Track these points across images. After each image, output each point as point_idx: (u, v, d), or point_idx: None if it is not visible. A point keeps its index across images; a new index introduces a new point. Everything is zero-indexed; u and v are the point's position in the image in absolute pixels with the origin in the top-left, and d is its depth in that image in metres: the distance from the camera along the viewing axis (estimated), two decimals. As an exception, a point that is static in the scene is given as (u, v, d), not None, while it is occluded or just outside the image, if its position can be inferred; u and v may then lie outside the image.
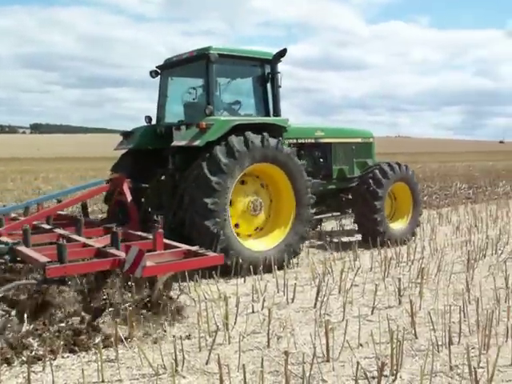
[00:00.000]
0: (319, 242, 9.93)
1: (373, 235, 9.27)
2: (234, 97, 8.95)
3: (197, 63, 8.37)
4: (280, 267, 7.27)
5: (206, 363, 4.35)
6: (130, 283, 5.47)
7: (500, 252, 8.63)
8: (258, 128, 7.79)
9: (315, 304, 5.82)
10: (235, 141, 7.41)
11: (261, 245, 7.86)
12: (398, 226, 9.90)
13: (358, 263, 7.82)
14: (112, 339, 4.66)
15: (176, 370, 4.13)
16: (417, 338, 4.92)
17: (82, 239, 6.58)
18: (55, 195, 8.82)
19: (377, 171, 9.47)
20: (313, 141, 9.63)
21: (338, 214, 10.28)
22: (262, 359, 4.00)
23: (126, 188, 8.04)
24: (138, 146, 8.74)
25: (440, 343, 4.69)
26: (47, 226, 7.51)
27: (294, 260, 8.06)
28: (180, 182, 7.78)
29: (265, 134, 7.71)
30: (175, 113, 9.02)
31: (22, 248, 5.98)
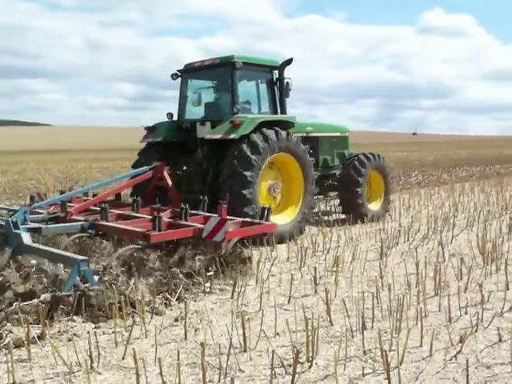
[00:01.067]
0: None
1: (355, 215, 10.93)
2: (249, 97, 10.37)
3: (220, 69, 9.93)
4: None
5: (123, 358, 4.29)
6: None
7: (412, 239, 8.92)
8: (273, 123, 9.39)
9: (232, 295, 5.84)
10: (257, 138, 8.86)
11: (281, 219, 9.32)
12: (374, 207, 11.62)
13: (275, 253, 7.89)
14: (24, 338, 4.52)
15: (91, 367, 4.05)
16: (332, 324, 5.02)
17: (146, 216, 7.94)
18: (108, 182, 10.02)
19: (356, 162, 11.14)
20: (304, 134, 10.98)
21: (322, 196, 12.13)
22: (178, 352, 3.99)
23: (166, 174, 9.30)
24: (165, 138, 10.09)
25: (354, 329, 4.82)
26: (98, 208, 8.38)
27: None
28: (208, 169, 9.40)
29: (277, 128, 9.21)
30: (194, 111, 10.57)
31: (110, 223, 7.50)
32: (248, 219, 7.90)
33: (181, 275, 6.11)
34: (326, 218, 11.73)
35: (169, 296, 5.65)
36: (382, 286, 6.09)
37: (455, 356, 4.33)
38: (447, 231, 9.63)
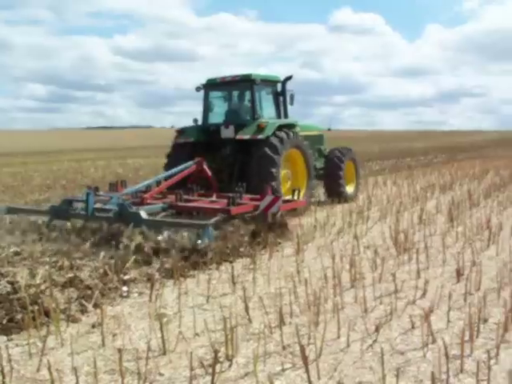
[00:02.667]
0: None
1: (337, 196, 13.45)
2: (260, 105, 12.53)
3: (241, 84, 12.52)
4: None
5: (37, 370, 4.14)
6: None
7: (328, 234, 9.09)
8: (284, 126, 12.03)
9: (150, 297, 5.76)
10: (275, 141, 11.27)
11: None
12: (349, 190, 14.10)
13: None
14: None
15: (3, 382, 3.90)
16: (251, 322, 5.03)
17: (205, 199, 10.44)
18: (166, 176, 11.24)
19: (338, 153, 13.84)
20: None
21: None
22: (95, 359, 3.90)
23: (206, 167, 11.49)
24: (196, 139, 12.28)
25: (273, 325, 4.86)
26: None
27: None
28: (234, 163, 11.83)
29: (286, 130, 11.79)
30: (216, 116, 12.89)
31: (188, 203, 9.86)
32: (288, 197, 10.82)
33: (96, 280, 6.00)
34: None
35: (85, 302, 5.51)
36: (299, 281, 6.17)
37: (371, 345, 4.46)
38: (361, 224, 9.87)
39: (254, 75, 12.07)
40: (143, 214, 8.40)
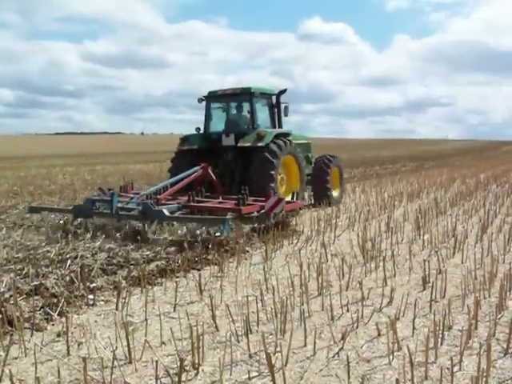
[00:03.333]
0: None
1: (324, 200, 14.30)
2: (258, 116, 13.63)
3: (241, 96, 13.72)
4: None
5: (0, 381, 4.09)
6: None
7: (296, 241, 9.11)
8: (280, 135, 13.39)
9: (117, 306, 5.70)
10: (274, 147, 12.58)
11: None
12: (335, 194, 15.24)
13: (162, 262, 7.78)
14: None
15: (-36, 393, 3.83)
16: (218, 330, 5.02)
17: (214, 200, 11.38)
18: (175, 181, 12.08)
19: (325, 160, 14.98)
20: None
21: None
22: (59, 369, 3.84)
23: (211, 171, 12.55)
24: (199, 146, 13.34)
25: (240, 333, 4.85)
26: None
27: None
28: (235, 168, 13.07)
29: (282, 138, 13.10)
30: (217, 125, 14.00)
31: (201, 203, 10.92)
32: (288, 199, 11.75)
33: (62, 288, 5.93)
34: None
35: (50, 311, 5.44)
36: (267, 289, 6.17)
37: (337, 353, 4.47)
38: (330, 232, 9.92)
39: (254, 88, 13.30)
40: (166, 212, 9.52)
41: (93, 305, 5.84)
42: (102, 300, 6.01)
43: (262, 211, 10.17)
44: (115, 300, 5.81)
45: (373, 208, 13.35)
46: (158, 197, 10.98)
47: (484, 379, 3.75)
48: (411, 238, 9.34)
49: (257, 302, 5.43)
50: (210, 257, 7.78)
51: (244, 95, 13.50)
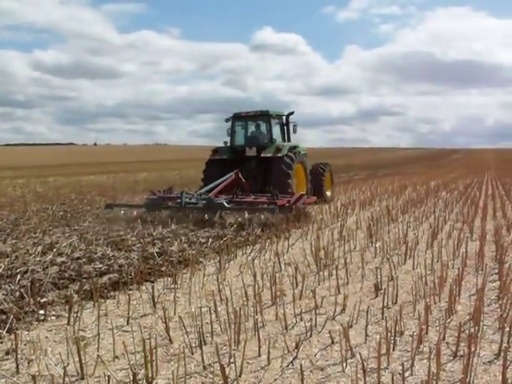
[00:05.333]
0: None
1: (321, 198, 17.28)
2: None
3: (260, 117, 17.16)
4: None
5: None
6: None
7: (249, 251, 9.12)
8: (292, 147, 16.82)
9: (68, 320, 5.59)
10: (289, 158, 15.89)
11: None
12: (328, 193, 18.82)
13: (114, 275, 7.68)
14: None
15: None
16: (172, 342, 4.97)
17: (249, 197, 14.14)
18: (219, 183, 14.58)
19: (321, 167, 18.73)
20: None
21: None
22: (7, 387, 3.76)
23: (241, 177, 15.47)
24: (228, 156, 16.62)
25: (194, 345, 4.82)
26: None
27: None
28: (258, 174, 16.11)
29: (293, 151, 16.62)
30: (241, 139, 17.36)
31: (244, 198, 13.76)
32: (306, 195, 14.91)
33: (11, 304, 5.80)
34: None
35: (-2, 328, 5.32)
36: (221, 299, 6.16)
37: (292, 362, 4.49)
38: (283, 241, 9.97)
39: (271, 111, 16.92)
40: (226, 204, 12.63)
41: (44, 320, 5.70)
42: (54, 315, 5.89)
43: (289, 204, 13.01)
44: (67, 315, 5.69)
45: (326, 217, 13.46)
46: (209, 195, 13.51)
47: (434, 383, 3.83)
48: (363, 245, 9.47)
49: (211, 313, 5.41)
50: (163, 268, 7.72)
51: (263, 116, 17.03)
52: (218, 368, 4.09)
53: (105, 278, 7.21)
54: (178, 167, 57.16)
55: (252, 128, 17.66)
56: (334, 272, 7.16)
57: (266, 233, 10.66)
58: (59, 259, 8.11)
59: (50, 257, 8.14)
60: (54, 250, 8.75)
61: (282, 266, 7.93)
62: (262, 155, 16.03)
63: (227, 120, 17.20)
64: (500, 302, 5.99)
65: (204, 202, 12.90)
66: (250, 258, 8.58)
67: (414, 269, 7.75)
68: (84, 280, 6.97)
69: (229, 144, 17.09)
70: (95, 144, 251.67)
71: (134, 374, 3.65)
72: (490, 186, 25.18)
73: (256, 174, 16.17)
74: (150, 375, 4.14)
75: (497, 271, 7.30)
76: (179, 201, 13.09)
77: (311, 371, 4.31)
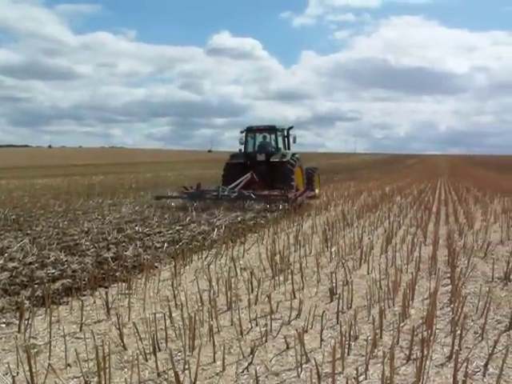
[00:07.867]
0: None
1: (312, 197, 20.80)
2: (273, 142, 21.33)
3: (268, 130, 21.29)
4: None
5: None
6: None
7: (205, 256, 9.08)
8: (293, 154, 20.70)
9: (19, 328, 5.46)
10: (291, 163, 19.71)
11: None
12: (317, 191, 22.57)
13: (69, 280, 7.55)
14: None
15: None
16: (125, 349, 4.90)
17: (263, 192, 18.00)
18: (241, 180, 18.53)
19: (312, 169, 22.36)
20: None
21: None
22: (-46, 397, 3.65)
23: (256, 177, 19.25)
24: (244, 160, 20.31)
25: (148, 352, 4.76)
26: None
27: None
28: (266, 175, 19.55)
29: (294, 157, 20.27)
30: (252, 147, 21.26)
31: (261, 192, 17.65)
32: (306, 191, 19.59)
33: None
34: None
35: None
36: (176, 305, 6.10)
37: (247, 367, 4.46)
38: (239, 246, 9.95)
39: (277, 126, 21.12)
40: (253, 196, 16.62)
41: (-7, 328, 5.57)
42: (4, 322, 5.72)
43: (295, 196, 17.00)
44: (17, 322, 5.55)
45: (282, 221, 13.49)
46: (235, 189, 17.42)
47: (388, 387, 3.86)
48: (319, 250, 9.51)
49: (165, 319, 5.34)
50: (117, 273, 7.62)
51: (270, 129, 21.25)
52: (173, 375, 4.06)
53: (57, 284, 7.08)
54: (135, 170, 56.70)
55: (260, 138, 21.61)
56: (290, 277, 7.17)
57: (221, 237, 10.63)
58: (10, 264, 7.95)
59: (1, 262, 7.98)
60: (6, 254, 8.59)
61: (238, 271, 7.91)
62: (271, 160, 19.81)
63: (242, 131, 21.21)
64: (452, 305, 6.08)
65: (236, 194, 16.90)
66: (205, 263, 8.53)
67: (368, 273, 7.82)
68: (36, 286, 6.83)
69: (242, 151, 20.96)
70: (50, 146, 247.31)
71: (86, 383, 3.59)
72: (443, 192, 25.64)
73: (265, 174, 19.60)
74: (102, 383, 4.07)
75: (449, 275, 7.41)
76: (215, 194, 17.16)
77: (266, 377, 4.30)
